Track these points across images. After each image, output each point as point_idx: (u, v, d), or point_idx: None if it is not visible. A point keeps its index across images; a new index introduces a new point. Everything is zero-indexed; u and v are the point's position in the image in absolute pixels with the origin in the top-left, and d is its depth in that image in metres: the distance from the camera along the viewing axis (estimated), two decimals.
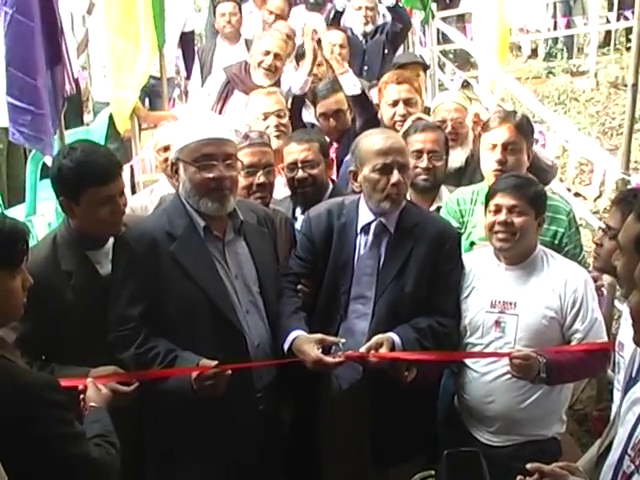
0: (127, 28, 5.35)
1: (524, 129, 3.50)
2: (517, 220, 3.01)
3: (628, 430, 1.89)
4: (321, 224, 3.15)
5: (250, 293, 2.97)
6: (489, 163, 3.49)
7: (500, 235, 3.04)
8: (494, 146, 3.46)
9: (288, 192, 3.82)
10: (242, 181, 3.30)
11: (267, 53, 5.07)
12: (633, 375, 2.14)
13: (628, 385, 2.14)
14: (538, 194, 3.09)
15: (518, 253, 3.08)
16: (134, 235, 2.87)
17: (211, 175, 2.83)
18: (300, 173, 3.63)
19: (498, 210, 3.05)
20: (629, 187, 4.49)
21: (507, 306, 3.06)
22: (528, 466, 2.08)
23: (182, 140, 2.89)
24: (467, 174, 4.04)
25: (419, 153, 3.67)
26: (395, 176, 2.99)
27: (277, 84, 5.11)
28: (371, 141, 3.08)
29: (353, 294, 3.08)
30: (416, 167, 3.62)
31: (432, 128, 3.78)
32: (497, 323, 3.06)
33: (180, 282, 2.82)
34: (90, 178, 2.76)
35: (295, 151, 3.65)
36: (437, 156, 3.67)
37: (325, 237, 3.13)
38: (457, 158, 4.02)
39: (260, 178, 3.45)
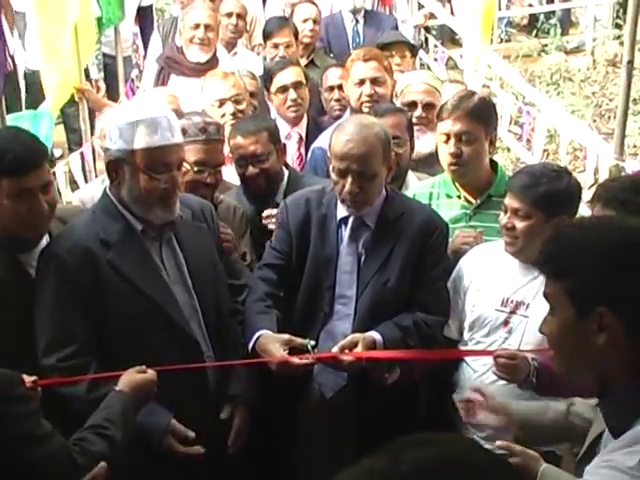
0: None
1: (481, 115, 3.39)
2: (519, 225, 2.97)
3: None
4: (298, 213, 3.14)
5: (191, 299, 2.91)
6: (444, 156, 3.43)
7: (505, 238, 3.04)
8: (448, 137, 3.38)
9: None
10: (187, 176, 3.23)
11: (197, 26, 5.15)
12: None
13: None
14: (549, 194, 2.95)
15: (530, 255, 2.98)
16: (64, 246, 2.75)
17: (167, 185, 2.75)
18: (250, 169, 3.59)
19: (505, 211, 3.04)
20: (622, 174, 4.54)
21: (519, 307, 3.04)
22: (497, 443, 2.10)
23: (130, 140, 2.70)
24: (438, 160, 3.93)
25: None
26: (347, 184, 2.96)
27: (214, 60, 5.18)
28: (336, 139, 3.02)
29: (335, 293, 3.08)
30: None
31: (392, 112, 3.73)
32: (506, 323, 3.05)
33: (124, 293, 2.73)
34: (5, 167, 2.64)
35: (242, 145, 3.60)
36: (399, 142, 3.60)
37: (302, 228, 3.11)
38: (427, 143, 3.97)
39: (207, 179, 3.36)
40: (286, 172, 3.73)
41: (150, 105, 2.93)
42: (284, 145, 3.84)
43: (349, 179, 2.95)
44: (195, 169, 3.27)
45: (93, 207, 2.93)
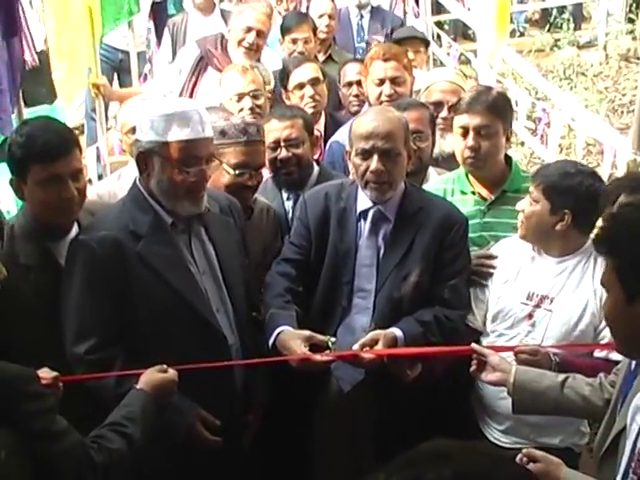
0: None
1: (499, 109, 3.37)
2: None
3: (632, 442, 1.86)
4: (317, 208, 3.14)
5: (220, 290, 2.92)
6: (461, 149, 3.39)
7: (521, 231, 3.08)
8: (465, 130, 3.35)
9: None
10: (226, 177, 3.24)
11: (249, 30, 4.91)
12: (632, 368, 2.12)
13: (627, 382, 2.11)
14: (570, 188, 2.94)
15: (558, 250, 3.05)
16: (94, 236, 2.75)
17: (195, 178, 2.75)
18: (283, 152, 3.56)
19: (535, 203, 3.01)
20: None
21: (543, 300, 3.04)
22: (523, 451, 2.09)
23: (162, 133, 2.71)
24: None
25: None
26: (373, 163, 2.98)
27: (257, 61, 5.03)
28: (359, 122, 3.06)
29: (354, 287, 3.07)
30: None
31: (415, 106, 3.69)
32: (530, 316, 3.05)
33: (151, 285, 2.74)
34: (35, 153, 2.67)
35: (277, 129, 3.57)
36: (421, 136, 3.59)
37: (321, 222, 3.12)
38: (450, 143, 3.87)
39: (248, 181, 3.31)
40: (316, 168, 3.69)
41: (182, 99, 2.91)
42: (317, 138, 3.82)
43: (374, 158, 2.97)
44: (236, 172, 3.24)
45: (123, 198, 2.94)
